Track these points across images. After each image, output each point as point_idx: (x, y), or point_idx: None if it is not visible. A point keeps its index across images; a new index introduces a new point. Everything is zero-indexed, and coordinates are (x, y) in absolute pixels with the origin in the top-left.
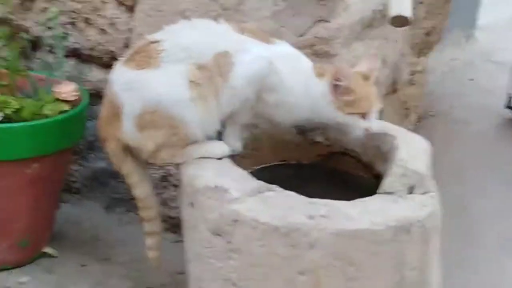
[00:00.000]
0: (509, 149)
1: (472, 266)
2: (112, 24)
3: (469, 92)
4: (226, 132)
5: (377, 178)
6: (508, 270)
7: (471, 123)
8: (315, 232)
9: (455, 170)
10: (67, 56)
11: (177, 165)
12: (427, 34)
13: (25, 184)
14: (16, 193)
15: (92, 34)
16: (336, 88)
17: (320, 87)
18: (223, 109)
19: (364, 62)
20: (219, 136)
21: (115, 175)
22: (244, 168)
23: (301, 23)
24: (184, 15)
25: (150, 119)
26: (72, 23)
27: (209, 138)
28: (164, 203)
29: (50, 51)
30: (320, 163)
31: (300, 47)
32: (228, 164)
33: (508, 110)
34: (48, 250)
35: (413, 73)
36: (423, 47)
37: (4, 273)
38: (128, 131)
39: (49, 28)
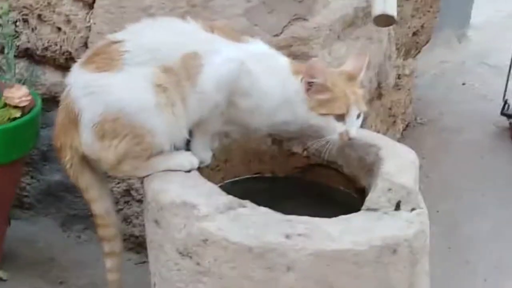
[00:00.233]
0: (504, 161)
1: None
2: (68, 22)
3: (461, 98)
4: (195, 142)
5: (361, 192)
6: None
7: (463, 131)
8: (292, 253)
9: (446, 184)
10: (18, 56)
11: (141, 179)
12: (415, 34)
13: None
14: None
15: (46, 32)
16: (310, 85)
17: (295, 85)
18: (191, 115)
19: (351, 61)
20: (188, 145)
21: (72, 189)
22: (214, 181)
23: (277, 21)
24: (148, 12)
25: (111, 127)
26: (24, 20)
27: (177, 148)
28: (126, 220)
29: None
30: (298, 176)
31: (275, 47)
32: (196, 177)
33: (503, 118)
34: None
35: (399, 76)
36: (410, 48)
37: None
38: (86, 140)
39: None
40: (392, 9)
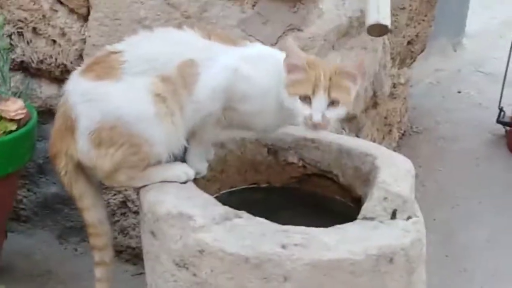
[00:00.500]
0: (500, 169)
1: None
2: (63, 34)
3: (457, 106)
4: (190, 153)
5: (357, 202)
6: None
7: (459, 139)
8: (289, 263)
9: (442, 192)
10: (13, 69)
11: (137, 190)
12: (410, 42)
13: None
14: None
15: (41, 45)
16: (288, 67)
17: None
18: (188, 124)
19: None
20: (185, 154)
21: (68, 201)
22: (210, 192)
23: (271, 32)
24: (143, 23)
25: (108, 135)
26: (19, 33)
27: (175, 157)
28: (123, 232)
29: None
30: (294, 186)
31: None
32: (192, 188)
33: (499, 125)
34: None
35: (395, 85)
36: (405, 57)
37: None
38: (82, 147)
39: None
40: (385, 19)
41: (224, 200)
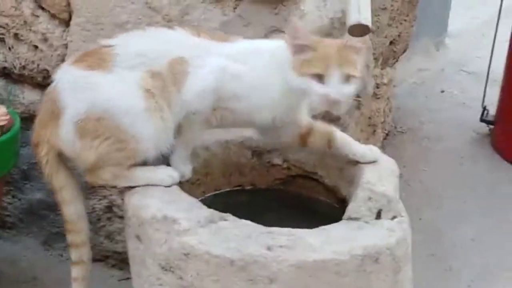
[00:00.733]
0: (485, 167)
1: None
2: (45, 40)
3: (441, 105)
4: (175, 155)
5: (342, 202)
6: None
7: (443, 139)
8: (274, 264)
9: (427, 192)
10: None
11: (121, 194)
12: (392, 43)
13: None
14: None
15: (23, 51)
16: (295, 48)
17: (284, 50)
18: (176, 121)
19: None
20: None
21: (54, 207)
22: (195, 195)
23: (253, 34)
24: (124, 28)
25: (94, 126)
26: (0, 40)
27: (163, 155)
28: (109, 237)
29: None
30: (278, 188)
31: None
32: (177, 191)
33: (483, 124)
34: None
35: (378, 86)
36: (388, 58)
37: None
38: (66, 136)
39: None
40: (366, 19)
41: (209, 203)
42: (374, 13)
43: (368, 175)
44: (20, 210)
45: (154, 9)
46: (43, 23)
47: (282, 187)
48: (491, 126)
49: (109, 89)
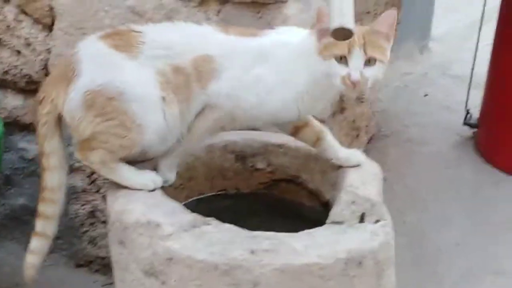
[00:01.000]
0: (468, 171)
1: None
2: (28, 45)
3: (425, 109)
4: (164, 161)
5: (326, 206)
6: None
7: (427, 142)
8: (258, 268)
9: (411, 195)
10: None
11: (103, 195)
12: None
13: None
14: None
15: (6, 56)
16: (320, 32)
17: (309, 39)
18: (192, 115)
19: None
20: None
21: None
22: (178, 200)
23: None
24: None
25: (103, 103)
26: None
27: (167, 148)
28: (92, 242)
29: None
30: (262, 192)
31: None
32: (160, 196)
33: (466, 128)
34: None
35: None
36: None
37: None
38: (72, 103)
39: None
40: (349, 22)
41: (193, 207)
42: (357, 17)
43: (351, 178)
44: (3, 215)
45: (138, 13)
46: (26, 28)
47: (266, 191)
48: (475, 129)
49: (128, 74)
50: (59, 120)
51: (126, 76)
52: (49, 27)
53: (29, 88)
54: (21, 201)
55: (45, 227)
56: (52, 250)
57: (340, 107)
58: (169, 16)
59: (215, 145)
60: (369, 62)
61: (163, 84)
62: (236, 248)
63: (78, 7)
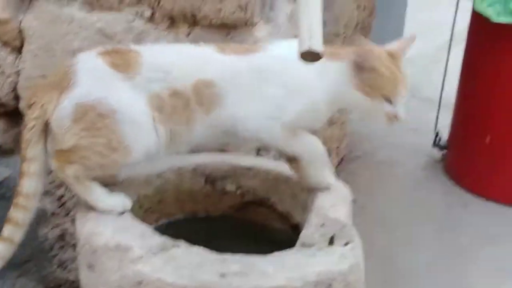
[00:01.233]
0: (437, 193)
1: None
2: None
3: (394, 131)
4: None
5: (295, 229)
6: None
7: (397, 164)
8: None
9: (381, 217)
10: None
11: (72, 218)
12: None
13: None
14: None
15: None
16: (358, 67)
17: (337, 69)
18: (194, 139)
19: (397, 42)
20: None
21: None
22: (148, 223)
23: None
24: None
25: (93, 118)
26: None
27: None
28: (62, 265)
29: None
30: (232, 215)
31: None
32: (129, 219)
33: (436, 150)
34: None
35: None
36: None
37: None
38: (62, 111)
39: None
40: (318, 45)
41: (162, 230)
42: (327, 38)
43: (321, 201)
44: None
45: (107, 35)
46: None
47: (236, 214)
48: (444, 151)
49: (124, 94)
50: (46, 127)
51: (121, 96)
52: (18, 50)
53: None
54: None
55: (13, 233)
56: (21, 274)
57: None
58: (139, 39)
59: (185, 168)
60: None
61: (157, 106)
62: (206, 271)
63: (47, 29)
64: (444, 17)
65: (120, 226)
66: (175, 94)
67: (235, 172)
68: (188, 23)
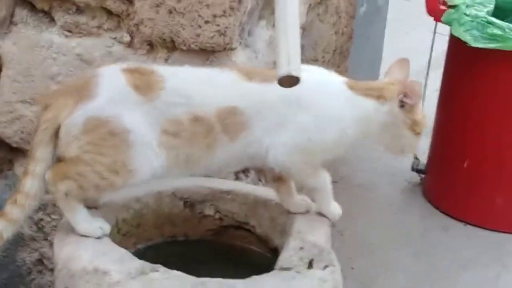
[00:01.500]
0: (416, 216)
1: None
2: None
3: (373, 155)
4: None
5: (274, 252)
6: None
7: (376, 188)
8: None
9: (360, 240)
10: None
11: (50, 243)
12: None
13: None
14: None
15: None
16: (402, 103)
17: (368, 105)
18: (216, 163)
19: (395, 69)
20: None
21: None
22: (126, 247)
23: None
24: (56, 80)
25: (103, 135)
26: None
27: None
28: None
29: None
30: (211, 239)
31: None
32: (108, 243)
33: (415, 173)
34: None
35: None
36: None
37: None
38: (74, 119)
39: None
40: (296, 70)
41: (141, 254)
42: (305, 64)
43: (299, 224)
44: None
45: (86, 61)
46: None
47: (215, 237)
48: (422, 175)
49: (140, 118)
50: (57, 132)
51: (136, 117)
52: None
53: None
54: None
55: (5, 228)
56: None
57: None
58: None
59: (164, 192)
60: None
61: (173, 131)
62: None
63: (26, 54)
64: (422, 42)
65: (99, 250)
66: (197, 120)
67: (214, 196)
68: (167, 48)
